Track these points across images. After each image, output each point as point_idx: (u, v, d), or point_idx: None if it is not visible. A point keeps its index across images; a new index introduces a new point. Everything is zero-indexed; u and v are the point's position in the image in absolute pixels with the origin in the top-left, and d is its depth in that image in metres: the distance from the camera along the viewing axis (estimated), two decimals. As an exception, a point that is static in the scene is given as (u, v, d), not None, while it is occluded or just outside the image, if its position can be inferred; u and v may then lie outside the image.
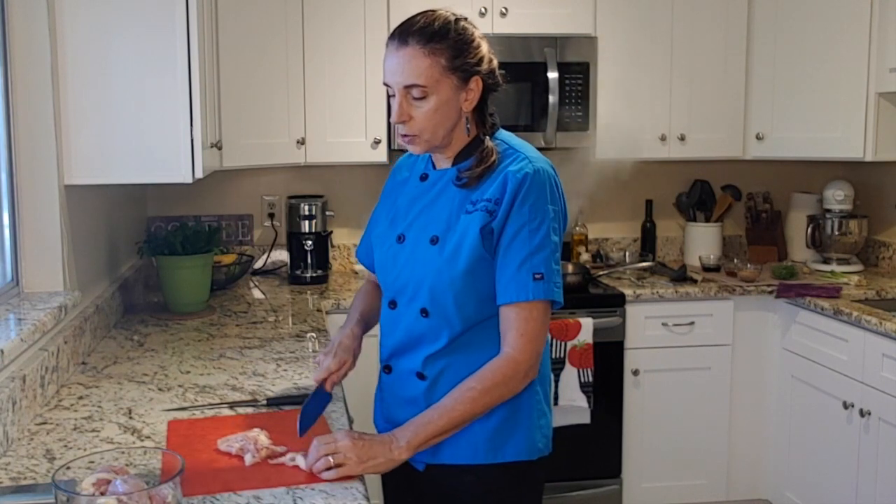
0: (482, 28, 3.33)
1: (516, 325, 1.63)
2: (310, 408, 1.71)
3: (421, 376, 1.71)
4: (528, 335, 1.62)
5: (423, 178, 1.78)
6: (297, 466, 1.54)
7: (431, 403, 1.66)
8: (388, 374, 1.80)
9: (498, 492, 1.72)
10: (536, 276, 1.61)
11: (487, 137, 1.71)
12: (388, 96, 1.69)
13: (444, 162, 1.75)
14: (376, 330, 1.91)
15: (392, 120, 1.67)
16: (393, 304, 1.77)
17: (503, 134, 1.75)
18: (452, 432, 1.62)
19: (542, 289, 1.62)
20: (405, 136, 1.68)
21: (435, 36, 1.61)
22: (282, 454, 1.58)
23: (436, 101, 1.63)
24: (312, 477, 1.50)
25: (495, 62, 1.70)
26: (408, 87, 1.63)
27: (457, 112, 1.67)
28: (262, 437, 1.62)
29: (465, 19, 1.68)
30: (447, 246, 1.66)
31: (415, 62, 1.61)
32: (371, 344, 1.95)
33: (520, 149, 1.70)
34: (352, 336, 1.86)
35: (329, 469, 1.49)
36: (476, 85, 1.66)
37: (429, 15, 1.65)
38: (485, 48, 1.68)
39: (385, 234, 1.81)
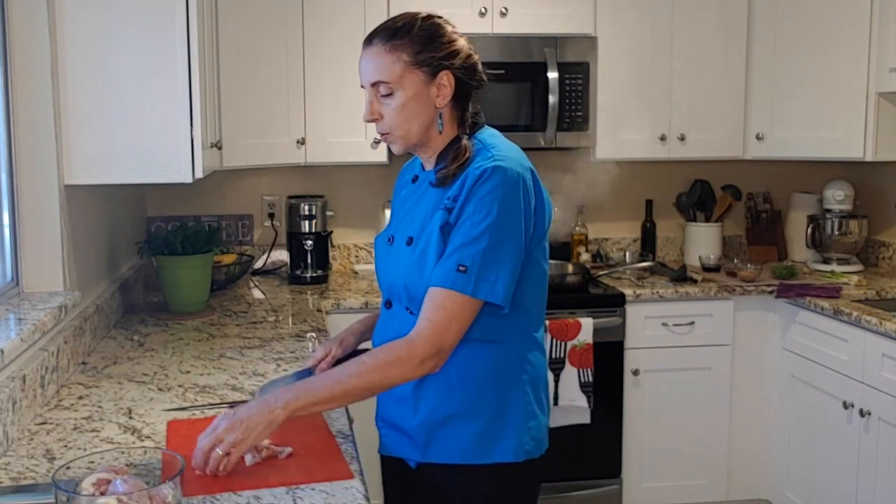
0: (482, 28, 3.38)
1: (427, 308, 1.60)
2: (280, 381, 1.78)
3: None
4: (433, 323, 1.58)
5: (414, 179, 1.81)
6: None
7: (419, 402, 1.69)
8: None
9: (487, 492, 1.72)
10: (461, 267, 1.58)
11: (465, 137, 1.70)
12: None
13: (429, 163, 1.76)
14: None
15: (363, 118, 1.70)
16: (389, 304, 1.79)
17: (484, 133, 1.73)
18: (339, 403, 1.60)
19: (460, 281, 1.57)
20: (381, 134, 1.71)
21: (398, 33, 1.65)
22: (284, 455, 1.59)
23: (402, 97, 1.65)
24: (312, 477, 1.50)
25: (475, 59, 1.70)
26: (374, 85, 1.66)
27: (430, 108, 1.67)
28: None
29: (440, 17, 1.69)
30: (418, 246, 1.68)
31: (377, 59, 1.65)
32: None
33: (492, 148, 1.67)
34: (349, 330, 1.93)
35: (221, 459, 1.47)
36: (447, 80, 1.66)
37: (397, 16, 1.70)
38: (460, 44, 1.68)
39: (381, 237, 1.85)
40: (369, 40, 1.68)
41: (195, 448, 1.49)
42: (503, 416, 1.70)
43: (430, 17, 1.68)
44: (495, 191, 1.59)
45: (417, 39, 1.64)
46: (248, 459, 1.56)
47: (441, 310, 1.58)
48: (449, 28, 1.68)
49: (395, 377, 1.59)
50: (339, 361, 1.85)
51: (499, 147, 1.68)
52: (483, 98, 1.77)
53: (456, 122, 1.72)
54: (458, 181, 1.65)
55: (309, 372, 1.83)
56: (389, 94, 1.65)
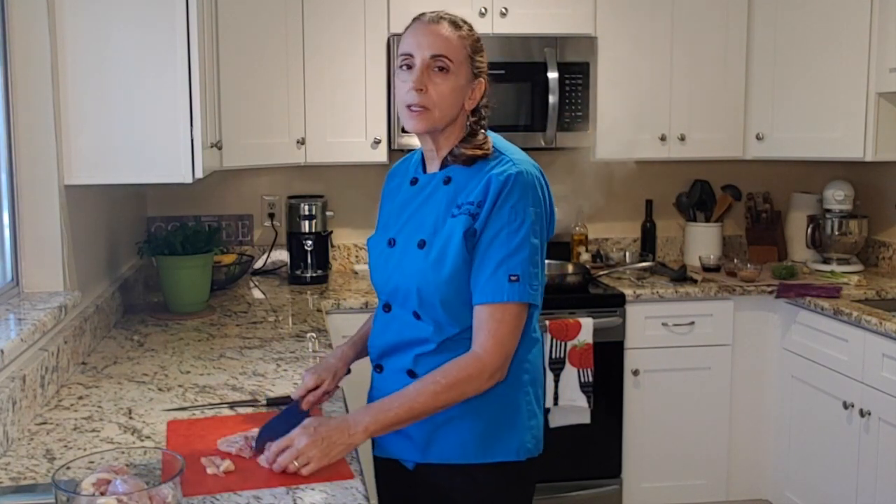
0: (482, 28, 3.37)
1: (488, 326, 1.62)
2: (275, 423, 1.67)
3: (412, 374, 1.72)
4: (498, 337, 1.62)
5: (413, 182, 1.80)
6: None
7: None
8: (379, 374, 1.82)
9: (488, 491, 1.72)
10: (512, 277, 1.62)
11: (482, 130, 1.74)
12: (401, 67, 1.69)
13: (434, 166, 1.77)
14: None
15: (412, 84, 1.66)
16: (387, 308, 1.78)
17: (491, 136, 1.77)
18: (411, 422, 1.62)
19: (516, 291, 1.62)
20: (416, 107, 1.67)
21: (461, 27, 1.71)
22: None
23: (454, 81, 1.68)
24: (312, 477, 1.50)
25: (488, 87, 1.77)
26: (434, 57, 1.67)
27: (461, 103, 1.70)
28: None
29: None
30: (433, 250, 1.68)
31: (447, 37, 1.68)
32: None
33: (505, 151, 1.72)
34: (339, 356, 1.89)
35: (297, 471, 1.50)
36: (480, 86, 1.72)
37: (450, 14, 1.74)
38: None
39: (377, 239, 1.84)
40: (436, 19, 1.69)
41: (264, 454, 1.54)
42: (505, 415, 1.71)
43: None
44: (525, 197, 1.64)
45: (473, 41, 1.72)
46: (248, 454, 1.57)
47: (502, 324, 1.62)
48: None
49: (468, 393, 1.63)
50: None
51: (511, 151, 1.73)
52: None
53: (471, 124, 1.76)
54: (476, 185, 1.66)
55: (296, 405, 1.78)
56: (445, 71, 1.67)
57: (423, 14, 1.72)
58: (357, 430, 1.55)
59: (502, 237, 1.63)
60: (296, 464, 1.50)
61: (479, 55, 1.72)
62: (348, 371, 1.90)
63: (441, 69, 1.66)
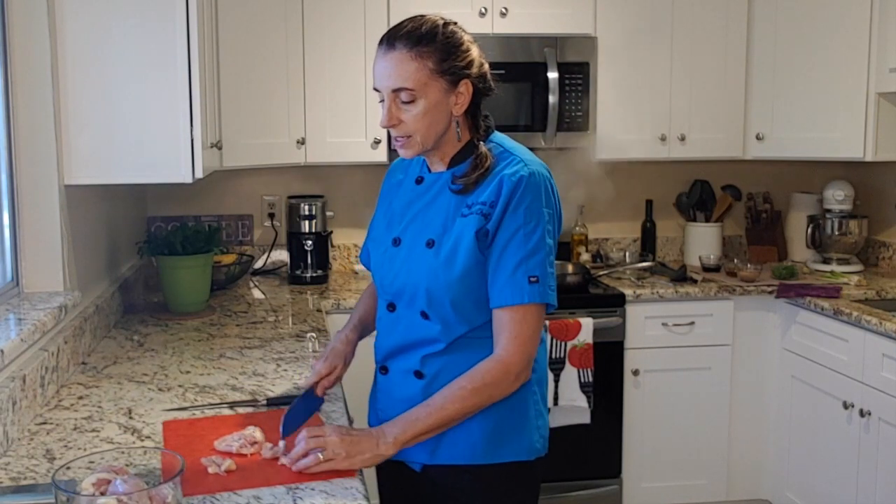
0: (482, 28, 3.38)
1: (510, 328, 1.62)
2: (296, 409, 1.71)
3: (419, 375, 1.72)
4: (520, 339, 1.62)
5: (419, 181, 1.78)
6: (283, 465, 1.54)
7: None
8: (384, 375, 1.81)
9: (495, 492, 1.72)
10: (532, 279, 1.61)
11: (481, 143, 1.70)
12: (380, 101, 1.69)
13: (438, 165, 1.75)
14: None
15: (381, 124, 1.67)
16: (392, 307, 1.77)
17: (498, 136, 1.75)
18: (440, 430, 1.62)
19: (537, 291, 1.62)
20: (397, 139, 1.69)
21: (422, 39, 1.62)
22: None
23: (424, 105, 1.63)
24: (313, 476, 1.50)
25: (486, 66, 1.70)
26: (396, 91, 1.63)
27: (447, 116, 1.66)
28: (258, 434, 1.63)
29: (455, 24, 1.68)
30: (443, 249, 1.67)
31: (402, 66, 1.61)
32: (370, 343, 1.94)
33: (515, 151, 1.70)
34: (345, 341, 1.90)
35: (318, 464, 1.50)
36: (466, 89, 1.66)
37: (417, 20, 1.65)
38: (475, 52, 1.68)
39: (381, 238, 1.82)
40: (391, 44, 1.63)
41: (283, 435, 1.58)
42: (514, 415, 1.70)
43: (448, 24, 1.66)
44: (538, 198, 1.63)
45: (442, 47, 1.62)
46: (246, 451, 1.58)
47: (524, 324, 1.62)
48: (466, 36, 1.68)
49: (495, 396, 1.64)
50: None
51: (519, 151, 1.71)
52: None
53: (468, 128, 1.72)
54: (487, 186, 1.65)
55: (311, 391, 1.79)
56: (411, 101, 1.63)
57: (381, 38, 1.65)
58: (387, 442, 1.56)
59: (519, 238, 1.62)
60: (320, 455, 1.50)
61: (453, 58, 1.62)
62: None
63: (406, 101, 1.63)
